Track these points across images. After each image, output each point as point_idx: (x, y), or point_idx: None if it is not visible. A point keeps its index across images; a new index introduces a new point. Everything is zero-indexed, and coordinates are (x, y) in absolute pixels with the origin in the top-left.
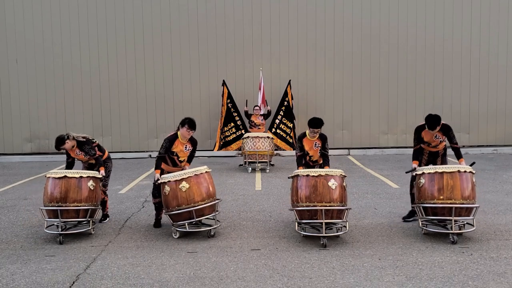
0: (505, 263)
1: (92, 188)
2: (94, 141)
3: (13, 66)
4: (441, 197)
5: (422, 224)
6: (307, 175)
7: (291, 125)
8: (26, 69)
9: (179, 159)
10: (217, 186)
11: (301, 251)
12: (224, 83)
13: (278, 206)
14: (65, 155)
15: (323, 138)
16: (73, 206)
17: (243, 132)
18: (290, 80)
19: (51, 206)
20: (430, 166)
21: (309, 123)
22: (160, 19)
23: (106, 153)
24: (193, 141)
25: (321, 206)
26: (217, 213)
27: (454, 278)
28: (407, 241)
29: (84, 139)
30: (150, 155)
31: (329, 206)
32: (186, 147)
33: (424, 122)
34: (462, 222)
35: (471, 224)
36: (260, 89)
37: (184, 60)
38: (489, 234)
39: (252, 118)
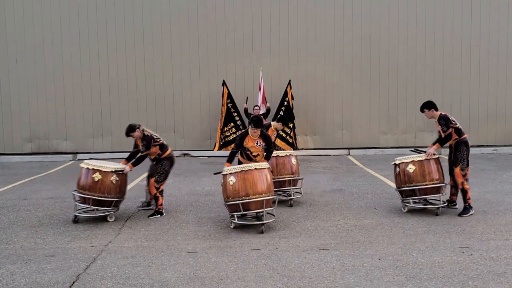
0: (505, 263)
1: (96, 180)
2: (158, 140)
3: (13, 66)
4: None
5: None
6: (277, 156)
7: (291, 125)
8: (26, 69)
9: (253, 153)
10: (217, 186)
11: (301, 251)
12: (224, 83)
13: (277, 205)
14: (65, 155)
15: (265, 137)
16: (84, 194)
17: None
18: (290, 80)
19: (74, 191)
20: (400, 157)
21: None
22: (160, 19)
23: (166, 152)
24: (264, 137)
25: (288, 177)
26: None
27: (454, 278)
28: (407, 241)
29: (148, 135)
30: None
31: (293, 177)
32: (257, 143)
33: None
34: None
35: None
36: (260, 89)
37: (184, 60)
38: (489, 234)
39: None
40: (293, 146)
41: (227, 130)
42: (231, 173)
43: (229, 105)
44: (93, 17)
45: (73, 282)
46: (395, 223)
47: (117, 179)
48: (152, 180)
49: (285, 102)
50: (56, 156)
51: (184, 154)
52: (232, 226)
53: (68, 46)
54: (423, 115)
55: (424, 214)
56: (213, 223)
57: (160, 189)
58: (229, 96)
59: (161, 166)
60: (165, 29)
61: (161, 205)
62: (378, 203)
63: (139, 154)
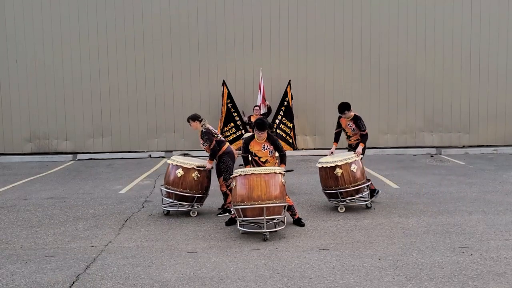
0: (505, 263)
1: (179, 176)
2: (216, 136)
3: (13, 66)
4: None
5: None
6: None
7: (291, 125)
8: (26, 69)
9: (261, 159)
10: (216, 186)
11: (301, 251)
12: (224, 83)
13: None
14: (65, 155)
15: (273, 141)
16: (168, 189)
17: (243, 132)
18: (290, 80)
19: (162, 186)
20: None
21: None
22: (160, 19)
23: (223, 148)
24: (271, 140)
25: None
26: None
27: (454, 278)
28: (407, 241)
29: (206, 130)
30: (150, 155)
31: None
32: (264, 147)
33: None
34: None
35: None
36: (260, 89)
37: (184, 60)
38: (489, 234)
39: (252, 119)
40: (293, 146)
41: (227, 130)
42: (235, 176)
43: (229, 105)
44: (93, 17)
45: (73, 282)
46: (395, 223)
47: (199, 175)
48: (221, 179)
49: (285, 102)
50: (56, 156)
51: (184, 154)
52: (241, 232)
53: (68, 46)
54: (422, 118)
55: (424, 214)
56: (213, 223)
57: (230, 187)
58: (229, 96)
59: (224, 164)
60: (165, 29)
61: (230, 203)
62: (378, 203)
63: (211, 148)
